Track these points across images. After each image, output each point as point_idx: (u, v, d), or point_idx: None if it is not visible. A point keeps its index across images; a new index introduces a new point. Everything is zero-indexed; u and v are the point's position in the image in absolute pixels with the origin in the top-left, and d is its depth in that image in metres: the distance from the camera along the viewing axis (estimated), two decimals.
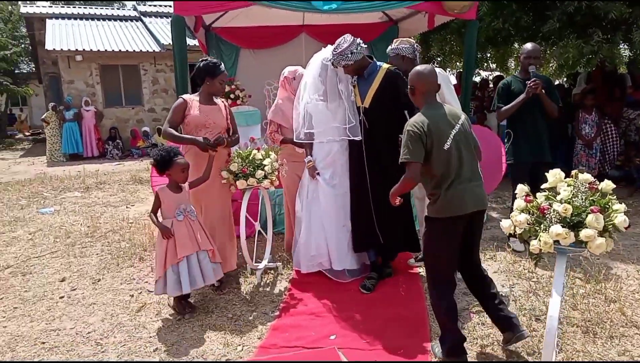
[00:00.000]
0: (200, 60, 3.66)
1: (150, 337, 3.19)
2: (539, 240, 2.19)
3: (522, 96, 4.18)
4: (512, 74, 5.74)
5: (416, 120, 2.61)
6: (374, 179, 3.64)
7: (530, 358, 2.73)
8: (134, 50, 14.37)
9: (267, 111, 7.33)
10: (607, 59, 5.70)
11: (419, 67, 2.77)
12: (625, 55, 6.39)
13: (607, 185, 2.25)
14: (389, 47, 3.91)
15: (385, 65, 3.65)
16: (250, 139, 4.49)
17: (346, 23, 7.45)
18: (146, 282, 4.09)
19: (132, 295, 3.82)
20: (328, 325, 3.24)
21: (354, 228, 3.81)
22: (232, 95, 7.17)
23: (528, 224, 2.27)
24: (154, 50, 14.57)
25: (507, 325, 2.72)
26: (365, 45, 3.58)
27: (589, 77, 7.75)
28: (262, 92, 7.77)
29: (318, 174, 3.77)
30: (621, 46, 6.25)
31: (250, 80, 7.57)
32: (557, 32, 5.87)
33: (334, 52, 3.51)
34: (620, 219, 2.11)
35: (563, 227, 2.12)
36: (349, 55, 3.48)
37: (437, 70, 3.82)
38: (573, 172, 2.35)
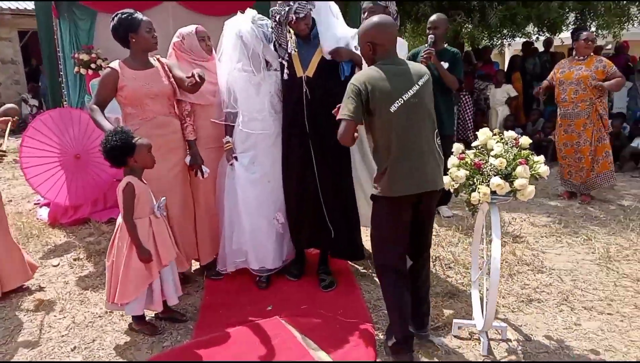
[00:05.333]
0: (111, 19, 3.01)
1: (62, 336, 2.80)
2: (478, 192, 2.42)
3: None
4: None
5: (360, 73, 2.38)
6: (320, 163, 3.15)
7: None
8: None
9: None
10: (466, 37, 6.43)
11: (377, 18, 2.39)
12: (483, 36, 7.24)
13: (525, 140, 2.56)
14: None
15: None
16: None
17: None
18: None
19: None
20: (260, 298, 3.17)
21: (298, 222, 3.30)
22: (92, 65, 6.40)
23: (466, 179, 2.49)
24: None
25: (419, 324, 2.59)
26: None
27: None
28: None
29: (235, 158, 3.23)
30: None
31: (111, 48, 6.73)
32: (427, 15, 6.39)
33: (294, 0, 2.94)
34: (544, 169, 2.44)
35: (500, 178, 2.37)
36: (313, 1, 2.98)
37: None
38: (496, 130, 2.62)
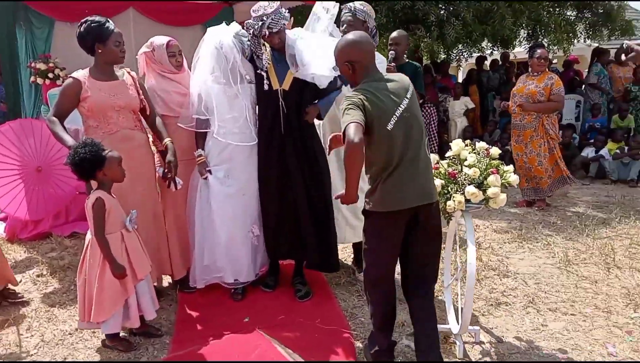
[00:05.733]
0: (79, 25, 2.88)
1: (31, 355, 2.69)
2: (454, 201, 2.52)
3: None
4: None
5: (353, 92, 2.26)
6: (297, 175, 3.17)
7: None
8: None
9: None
10: (426, 50, 6.65)
11: (352, 36, 2.33)
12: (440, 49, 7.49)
13: (495, 150, 2.68)
14: (348, 5, 3.30)
15: None
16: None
17: (179, 1, 7.08)
18: None
19: None
20: (236, 310, 3.15)
21: (275, 234, 3.30)
22: (50, 75, 6.19)
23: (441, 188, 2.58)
24: None
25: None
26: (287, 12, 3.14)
27: None
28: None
29: (209, 171, 3.18)
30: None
31: (70, 58, 6.48)
32: (384, 26, 6.57)
33: (267, 12, 2.97)
34: (513, 177, 2.57)
35: (474, 187, 2.48)
36: (286, 15, 3.01)
37: None
38: (467, 141, 2.74)
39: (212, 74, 3.13)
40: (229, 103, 3.15)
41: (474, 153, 2.61)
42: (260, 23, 3.01)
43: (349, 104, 2.20)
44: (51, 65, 6.16)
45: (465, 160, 2.60)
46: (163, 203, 3.26)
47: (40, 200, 4.17)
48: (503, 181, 2.56)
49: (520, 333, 2.86)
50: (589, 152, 6.74)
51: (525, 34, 8.56)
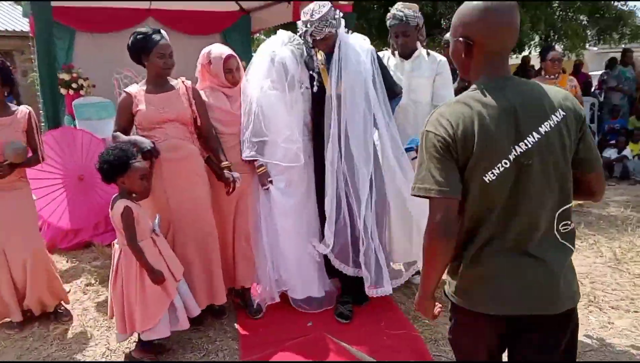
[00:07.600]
0: (130, 38, 2.77)
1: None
2: None
3: None
4: None
5: (443, 112, 1.36)
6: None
7: None
8: None
9: (117, 103, 6.48)
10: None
11: (482, 2, 1.33)
12: None
13: None
14: (397, 15, 3.15)
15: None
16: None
17: (197, 10, 7.11)
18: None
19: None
20: (296, 314, 3.11)
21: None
22: (74, 85, 6.19)
23: None
24: None
25: None
26: (342, 15, 2.96)
27: None
28: (108, 81, 6.85)
29: (271, 181, 3.05)
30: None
31: (91, 67, 6.57)
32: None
33: (312, 19, 2.83)
34: None
35: None
36: (333, 22, 2.84)
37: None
38: None
39: (266, 79, 3.02)
40: (287, 109, 3.01)
41: None
42: (304, 29, 2.92)
43: (432, 145, 1.34)
44: (75, 75, 6.16)
45: None
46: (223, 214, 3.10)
47: (83, 209, 4.13)
48: None
49: (589, 332, 2.85)
50: (611, 153, 6.78)
51: (538, 39, 8.64)
